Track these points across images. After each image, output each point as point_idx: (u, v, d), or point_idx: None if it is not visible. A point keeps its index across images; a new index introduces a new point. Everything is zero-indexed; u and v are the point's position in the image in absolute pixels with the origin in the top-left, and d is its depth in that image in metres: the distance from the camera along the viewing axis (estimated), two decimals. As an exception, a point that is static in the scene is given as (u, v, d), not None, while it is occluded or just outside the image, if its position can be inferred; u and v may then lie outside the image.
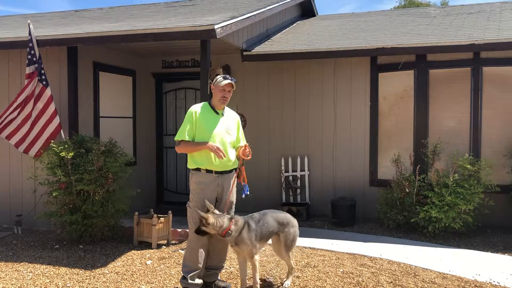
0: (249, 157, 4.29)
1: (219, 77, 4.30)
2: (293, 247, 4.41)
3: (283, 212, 4.50)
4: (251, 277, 4.19)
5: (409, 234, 6.37)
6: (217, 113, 4.31)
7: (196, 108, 4.29)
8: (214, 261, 4.46)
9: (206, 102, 4.39)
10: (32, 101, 6.27)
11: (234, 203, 4.48)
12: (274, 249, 4.57)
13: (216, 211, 4.06)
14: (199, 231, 4.05)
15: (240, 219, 4.11)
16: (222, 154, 4.07)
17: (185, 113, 4.33)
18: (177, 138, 4.25)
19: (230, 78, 4.27)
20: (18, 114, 6.31)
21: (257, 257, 4.15)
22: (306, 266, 5.00)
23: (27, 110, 6.29)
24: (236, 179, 4.41)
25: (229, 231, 4.00)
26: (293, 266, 4.51)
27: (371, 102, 7.50)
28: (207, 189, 4.22)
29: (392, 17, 9.53)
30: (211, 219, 3.96)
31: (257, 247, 4.11)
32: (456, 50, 6.62)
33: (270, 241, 4.47)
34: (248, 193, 4.37)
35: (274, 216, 4.33)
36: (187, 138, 4.19)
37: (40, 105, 6.30)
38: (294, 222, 4.44)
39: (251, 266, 4.15)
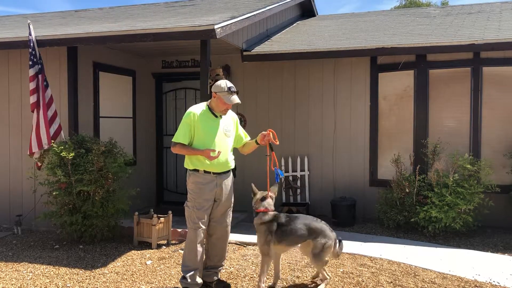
0: (277, 142, 4.31)
1: (224, 87, 4.15)
2: (321, 259, 4.24)
3: (320, 221, 4.38)
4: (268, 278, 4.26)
5: (409, 234, 6.37)
6: (215, 116, 4.28)
7: (195, 110, 4.23)
8: (213, 260, 4.47)
9: (206, 104, 4.32)
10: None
11: (232, 202, 4.50)
12: (303, 254, 4.63)
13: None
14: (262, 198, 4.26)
15: (272, 213, 4.22)
16: (216, 157, 4.11)
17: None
18: (174, 140, 4.23)
19: (235, 91, 4.20)
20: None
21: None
22: (306, 266, 4.99)
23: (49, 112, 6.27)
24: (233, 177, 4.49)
25: (265, 213, 4.17)
26: (327, 276, 4.36)
27: (371, 102, 7.50)
28: (206, 189, 4.22)
29: (392, 17, 9.53)
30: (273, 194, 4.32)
31: (270, 247, 4.14)
32: (456, 50, 6.62)
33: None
34: (282, 176, 4.39)
35: (306, 223, 4.27)
36: (183, 142, 4.18)
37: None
38: (328, 233, 4.28)
39: (260, 263, 4.26)
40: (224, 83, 4.21)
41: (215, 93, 4.20)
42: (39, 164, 6.22)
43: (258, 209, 4.24)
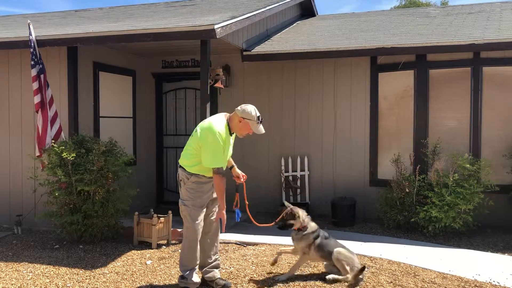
0: (242, 181, 4.55)
1: (254, 115, 4.14)
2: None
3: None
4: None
5: (409, 234, 6.37)
6: (230, 134, 4.31)
7: (222, 130, 4.14)
8: (211, 256, 4.50)
9: (226, 123, 4.23)
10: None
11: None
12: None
13: (302, 212, 4.59)
14: (284, 226, 4.53)
15: (314, 224, 4.62)
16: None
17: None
18: (217, 165, 4.10)
19: (262, 120, 4.26)
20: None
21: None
22: (305, 266, 4.99)
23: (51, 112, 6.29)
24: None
25: (307, 227, 4.53)
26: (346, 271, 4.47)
27: (371, 102, 7.50)
28: (205, 188, 4.30)
29: (392, 17, 9.53)
30: (300, 212, 4.53)
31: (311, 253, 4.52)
32: (456, 50, 6.63)
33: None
34: (238, 218, 4.57)
35: (339, 244, 4.63)
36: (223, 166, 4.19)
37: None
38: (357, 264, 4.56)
39: (298, 259, 4.60)
40: (254, 111, 4.18)
41: (243, 118, 4.17)
42: (44, 164, 6.20)
43: (306, 224, 4.57)
